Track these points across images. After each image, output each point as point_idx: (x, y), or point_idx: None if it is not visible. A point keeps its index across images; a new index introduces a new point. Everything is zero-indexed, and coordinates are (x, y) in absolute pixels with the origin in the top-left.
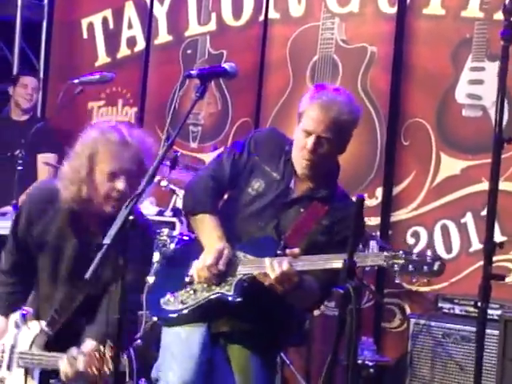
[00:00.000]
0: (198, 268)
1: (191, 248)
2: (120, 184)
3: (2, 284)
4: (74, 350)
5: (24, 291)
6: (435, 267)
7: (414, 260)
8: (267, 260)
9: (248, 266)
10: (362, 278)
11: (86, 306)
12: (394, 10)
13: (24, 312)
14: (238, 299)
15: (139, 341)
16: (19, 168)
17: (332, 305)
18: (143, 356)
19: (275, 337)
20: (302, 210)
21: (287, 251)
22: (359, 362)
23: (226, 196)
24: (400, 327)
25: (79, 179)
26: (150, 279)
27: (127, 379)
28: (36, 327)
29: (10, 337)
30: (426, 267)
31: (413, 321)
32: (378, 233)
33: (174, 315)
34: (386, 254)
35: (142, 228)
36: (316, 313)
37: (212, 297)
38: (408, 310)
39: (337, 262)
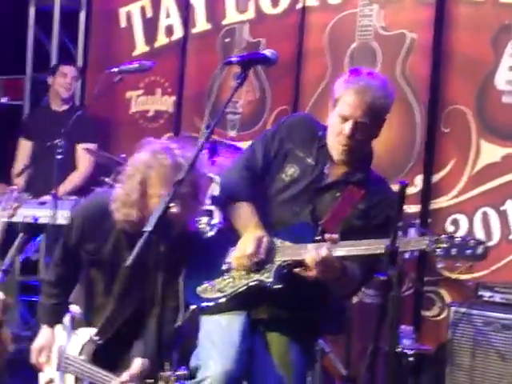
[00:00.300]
0: (238, 256)
1: (226, 235)
2: (174, 208)
3: (47, 295)
4: (125, 375)
5: (67, 303)
6: (479, 251)
7: (456, 244)
8: (307, 246)
9: (286, 253)
10: (403, 266)
11: (136, 317)
12: None
13: (72, 313)
14: (278, 286)
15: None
16: (59, 157)
17: (371, 292)
18: (183, 344)
19: (314, 324)
20: (337, 194)
21: (326, 236)
22: (398, 350)
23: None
24: (439, 315)
25: (131, 202)
26: None
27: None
28: (85, 335)
29: (60, 339)
30: (469, 251)
31: (453, 309)
32: (418, 220)
33: (212, 304)
34: (428, 238)
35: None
36: (354, 300)
37: (251, 284)
38: (447, 299)
39: (377, 248)
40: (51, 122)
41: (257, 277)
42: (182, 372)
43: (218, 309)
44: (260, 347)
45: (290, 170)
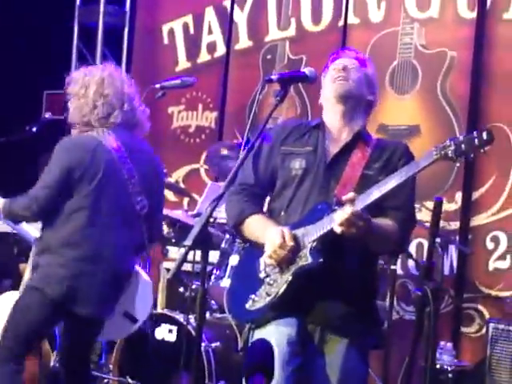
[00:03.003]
0: (269, 254)
1: (255, 250)
2: None
3: None
4: None
5: None
6: (485, 136)
7: (462, 140)
8: (326, 219)
9: (312, 233)
10: (441, 282)
11: None
12: (473, 15)
13: None
14: (319, 261)
15: (218, 343)
16: None
17: (410, 309)
18: (223, 358)
19: (369, 326)
20: (348, 159)
21: (343, 198)
22: (438, 366)
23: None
24: (479, 332)
25: None
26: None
27: (206, 381)
28: None
29: None
30: (476, 140)
31: (492, 325)
32: (457, 237)
33: (265, 309)
34: (434, 149)
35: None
36: (394, 317)
37: (293, 274)
38: (487, 315)
39: (392, 182)
40: None
41: (295, 266)
42: None
43: (271, 312)
44: (313, 360)
45: (297, 164)
